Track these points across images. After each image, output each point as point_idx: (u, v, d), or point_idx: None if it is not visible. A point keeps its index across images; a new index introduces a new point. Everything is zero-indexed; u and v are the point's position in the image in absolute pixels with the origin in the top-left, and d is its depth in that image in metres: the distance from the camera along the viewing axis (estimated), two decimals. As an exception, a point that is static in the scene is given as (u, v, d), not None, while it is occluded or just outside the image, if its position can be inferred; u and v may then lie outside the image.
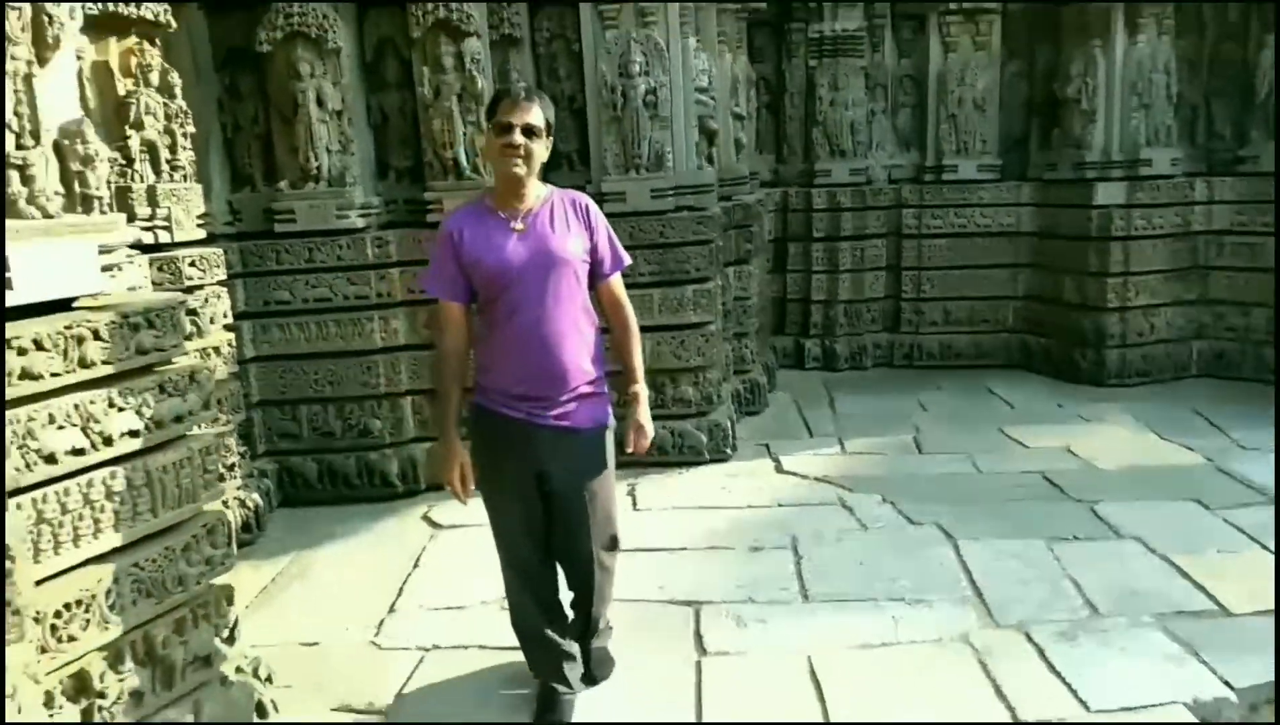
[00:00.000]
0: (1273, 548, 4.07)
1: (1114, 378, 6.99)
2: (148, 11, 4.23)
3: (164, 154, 4.30)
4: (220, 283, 4.55)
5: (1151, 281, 7.05)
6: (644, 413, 3.02)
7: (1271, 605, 3.57)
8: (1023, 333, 7.75)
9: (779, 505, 4.87)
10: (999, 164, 7.79)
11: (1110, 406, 6.46)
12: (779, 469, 5.46)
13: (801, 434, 6.19)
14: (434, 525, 4.84)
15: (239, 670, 3.04)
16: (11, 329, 2.29)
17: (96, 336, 2.51)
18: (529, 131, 2.72)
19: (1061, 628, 3.49)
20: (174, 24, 4.44)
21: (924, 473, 5.29)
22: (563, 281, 2.80)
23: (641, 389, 3.04)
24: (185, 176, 4.45)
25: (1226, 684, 3.06)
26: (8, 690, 1.62)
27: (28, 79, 2.40)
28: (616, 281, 3.02)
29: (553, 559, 3.08)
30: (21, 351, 2.30)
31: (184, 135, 4.43)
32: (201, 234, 4.53)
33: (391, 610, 3.92)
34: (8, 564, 1.95)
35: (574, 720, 3.06)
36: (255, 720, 3.03)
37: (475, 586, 4.03)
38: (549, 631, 3.07)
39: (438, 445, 3.00)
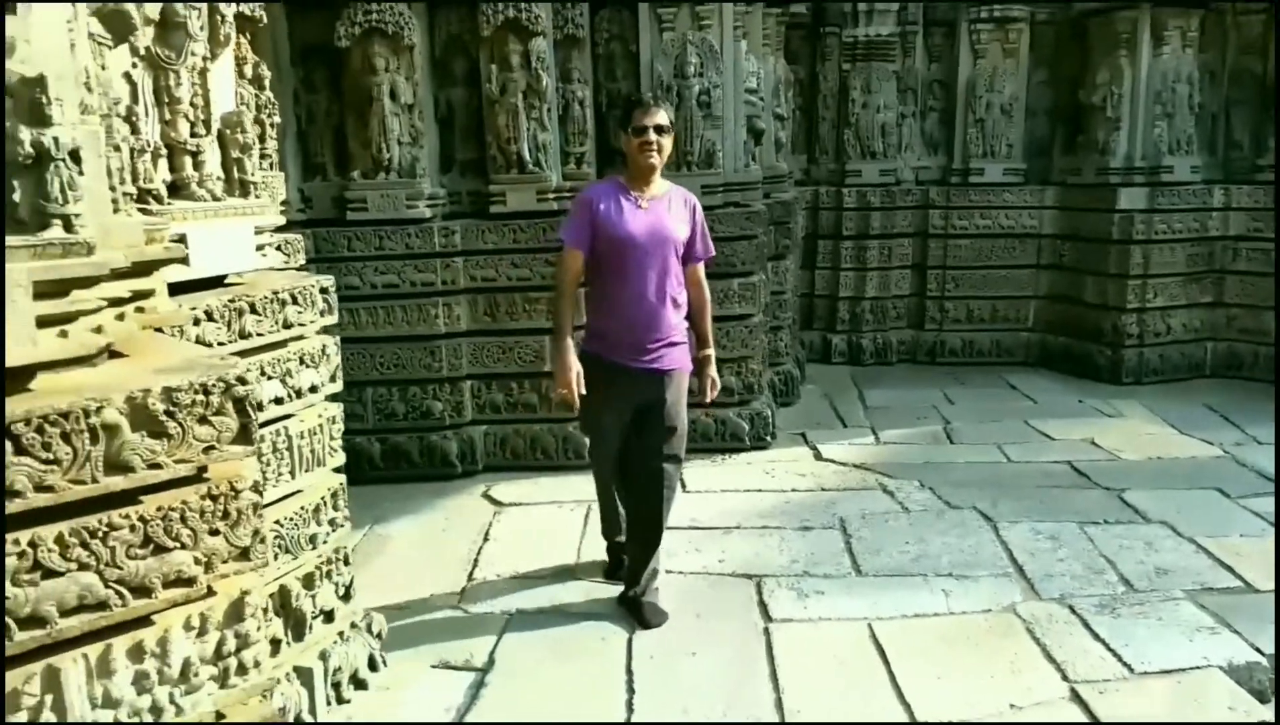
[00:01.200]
0: (1293, 534, 4.35)
1: (1131, 376, 7.28)
2: (245, 8, 4.47)
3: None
4: (300, 268, 4.79)
5: (1169, 284, 7.34)
6: (713, 370, 3.81)
7: (1297, 584, 3.87)
8: (1043, 332, 8.04)
9: (822, 489, 5.14)
10: (1023, 168, 8.07)
11: (1129, 402, 6.74)
12: (818, 456, 5.73)
13: (835, 424, 6.47)
14: (495, 503, 5.10)
15: (353, 626, 3.30)
16: (187, 301, 2.54)
17: (253, 310, 2.77)
18: (659, 130, 3.53)
19: (1101, 601, 3.77)
20: (265, 19, 4.68)
21: (957, 461, 5.57)
22: (667, 255, 3.57)
23: (712, 352, 3.83)
24: (272, 165, 4.67)
25: (1257, 650, 3.34)
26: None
27: (203, 73, 2.67)
28: (701, 267, 3.78)
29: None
30: (195, 321, 2.55)
31: (272, 126, 4.66)
32: (283, 220, 4.77)
33: (470, 579, 4.18)
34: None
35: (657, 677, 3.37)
36: (368, 673, 3.29)
37: (547, 557, 4.30)
38: (614, 489, 3.97)
39: (553, 361, 3.68)
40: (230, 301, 2.68)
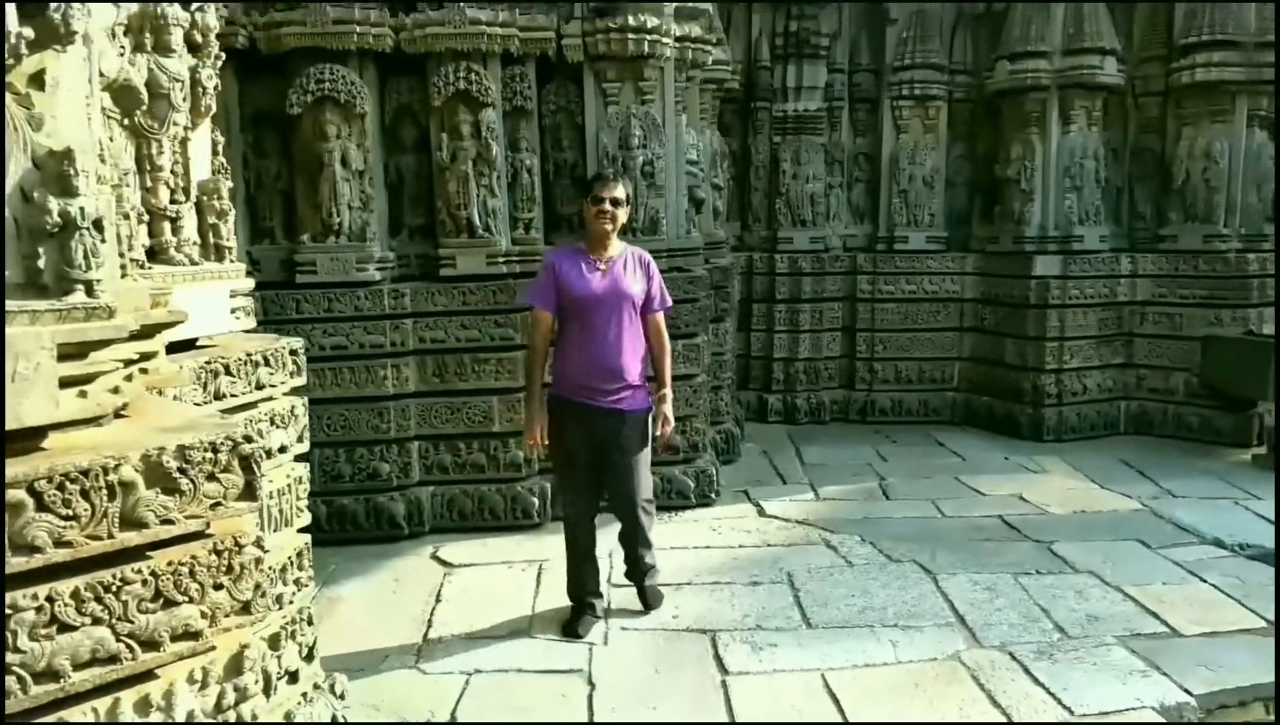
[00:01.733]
0: (1210, 581, 4.62)
1: (1051, 433, 7.63)
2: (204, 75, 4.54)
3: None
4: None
5: (1084, 346, 7.75)
6: (668, 409, 4.20)
7: (1215, 628, 4.12)
8: (967, 391, 8.38)
9: (768, 545, 5.28)
10: (945, 236, 8.49)
11: (1051, 459, 7.07)
12: (761, 513, 5.88)
13: (775, 481, 6.64)
14: (445, 564, 5.11)
15: (316, 687, 3.29)
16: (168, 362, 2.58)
17: (228, 372, 2.81)
18: (615, 202, 4.05)
19: (1039, 647, 3.96)
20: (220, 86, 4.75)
21: (895, 516, 5.77)
22: (625, 310, 4.04)
23: (668, 393, 4.22)
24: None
25: (1186, 690, 3.55)
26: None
27: (184, 142, 2.74)
28: (660, 317, 4.22)
29: (594, 511, 4.23)
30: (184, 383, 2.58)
31: (228, 190, 4.71)
32: (252, 283, 4.79)
33: (425, 639, 4.18)
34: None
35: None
36: (329, 732, 3.28)
37: (501, 616, 4.34)
38: (588, 566, 4.28)
39: (524, 413, 4.49)
40: (206, 363, 2.72)
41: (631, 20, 5.60)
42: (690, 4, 6.13)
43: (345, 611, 4.52)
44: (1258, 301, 7.48)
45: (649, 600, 4.37)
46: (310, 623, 3.30)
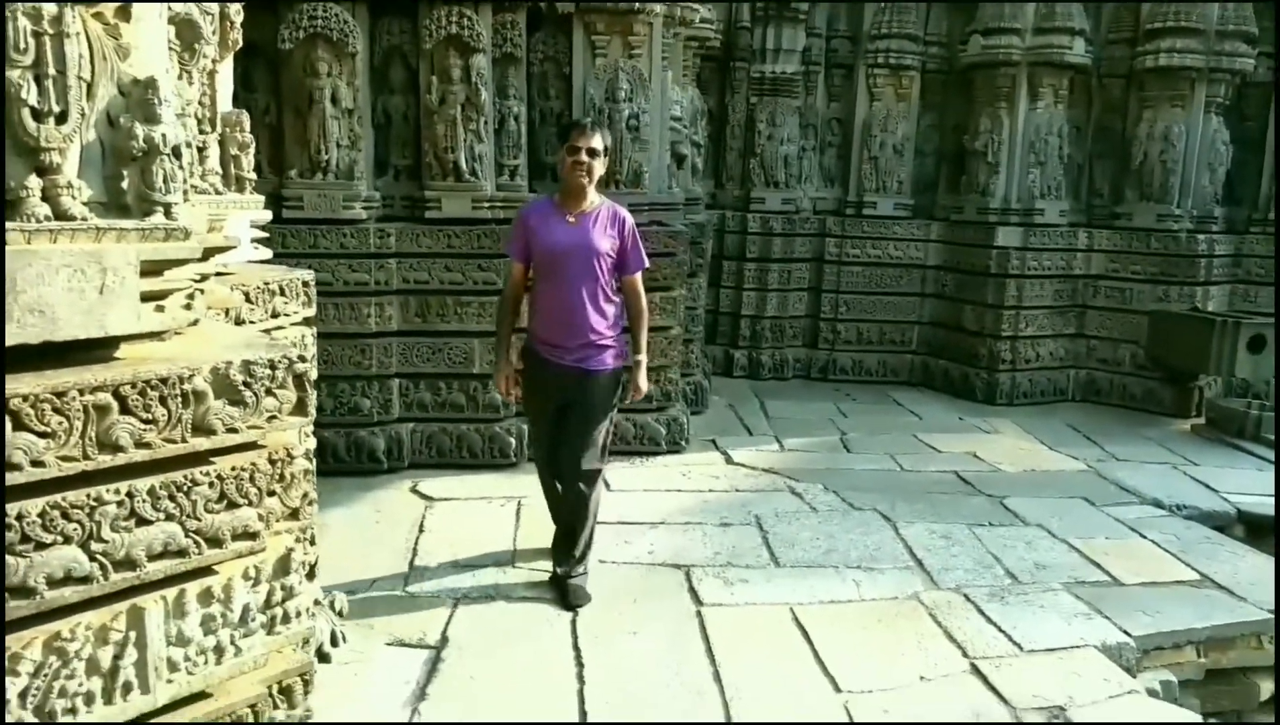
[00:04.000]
0: (1149, 538, 4.96)
1: (1004, 397, 7.97)
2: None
3: (205, 139, 4.62)
4: (241, 262, 4.88)
5: (1039, 315, 8.08)
6: (642, 374, 4.05)
7: (1153, 579, 4.45)
8: (925, 354, 8.69)
9: (736, 490, 5.52)
10: (911, 203, 8.73)
11: (1003, 421, 7.40)
12: (729, 461, 6.11)
13: (741, 432, 6.88)
14: (425, 498, 5.26)
15: (317, 603, 3.44)
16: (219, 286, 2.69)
17: (248, 299, 2.92)
18: (591, 153, 3.81)
19: (991, 590, 4.25)
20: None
21: (855, 468, 6.04)
22: (593, 265, 3.85)
23: (643, 357, 4.07)
24: (219, 161, 4.77)
25: (1125, 632, 3.86)
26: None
27: (211, 75, 2.82)
28: (637, 277, 4.04)
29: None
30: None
31: (248, 122, 4.75)
32: (269, 215, 4.85)
33: (412, 567, 4.35)
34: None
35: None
36: (330, 648, 3.45)
37: (483, 547, 4.51)
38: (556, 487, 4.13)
39: (493, 361, 4.50)
40: (230, 289, 2.83)
41: (624, -26, 5.68)
42: (681, -39, 6.22)
43: (331, 539, 4.64)
44: (1204, 280, 7.86)
45: (570, 599, 3.95)
46: (313, 542, 3.44)
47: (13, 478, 1.59)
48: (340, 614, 3.54)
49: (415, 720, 3.14)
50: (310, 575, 3.44)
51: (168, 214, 1.80)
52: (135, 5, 1.75)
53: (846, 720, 3.18)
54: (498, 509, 5.06)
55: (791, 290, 8.78)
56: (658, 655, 3.59)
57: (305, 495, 2.03)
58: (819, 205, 8.92)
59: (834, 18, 8.69)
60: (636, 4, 5.76)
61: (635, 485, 5.51)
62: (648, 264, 4.12)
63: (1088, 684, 3.45)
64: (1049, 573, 4.46)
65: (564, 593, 4.00)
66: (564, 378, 3.90)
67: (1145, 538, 4.94)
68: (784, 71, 8.56)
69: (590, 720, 3.15)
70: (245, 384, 1.88)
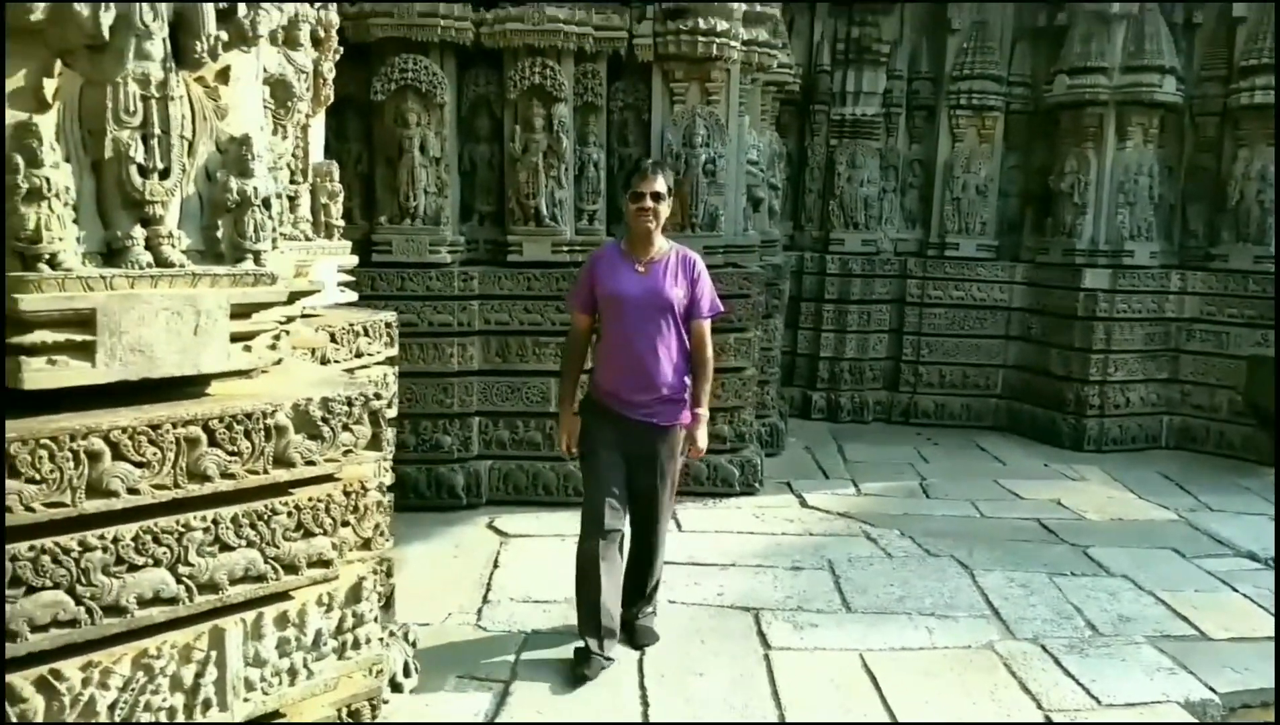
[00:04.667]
0: (1241, 591, 4.76)
1: (1092, 444, 7.74)
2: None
3: (301, 186, 4.88)
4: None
5: (1129, 359, 7.85)
6: (701, 431, 3.85)
7: (1243, 634, 4.27)
8: (1010, 398, 8.51)
9: (810, 534, 5.49)
10: (995, 245, 8.61)
11: (1090, 468, 7.20)
12: (803, 504, 6.08)
13: (817, 475, 6.84)
14: (501, 534, 5.38)
15: (392, 634, 3.56)
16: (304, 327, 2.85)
17: (333, 339, 3.08)
18: (656, 197, 3.68)
19: (1070, 642, 4.13)
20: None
21: (934, 514, 5.95)
22: (663, 317, 3.70)
23: (703, 412, 3.86)
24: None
25: (1210, 689, 3.72)
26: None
27: (304, 128, 3.01)
28: (705, 324, 3.84)
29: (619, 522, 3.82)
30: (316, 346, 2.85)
31: (338, 173, 5.01)
32: (355, 260, 5.09)
33: (485, 601, 4.45)
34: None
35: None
36: (402, 679, 3.56)
37: (555, 586, 4.57)
38: (602, 584, 3.70)
39: (559, 414, 4.11)
40: (316, 331, 2.99)
41: (701, 23, 5.80)
42: (758, 8, 6.32)
43: (409, 572, 4.79)
44: (1306, 323, 7.54)
45: (638, 638, 3.93)
46: (390, 573, 3.57)
47: (110, 504, 1.73)
48: (414, 645, 3.65)
49: (483, 751, 3.20)
50: (386, 606, 3.57)
51: (257, 261, 1.94)
52: (234, 69, 1.91)
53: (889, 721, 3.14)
54: (569, 546, 5.09)
55: (871, 332, 8.73)
56: (723, 696, 3.60)
57: (378, 526, 2.13)
58: (900, 246, 8.87)
59: (915, 59, 8.70)
60: (714, 50, 5.88)
61: (707, 526, 5.53)
62: (722, 309, 3.94)
63: (1169, 742, 3.34)
64: (1132, 625, 4.32)
65: (631, 633, 3.95)
66: (632, 432, 3.72)
67: (1237, 591, 4.74)
68: (864, 114, 8.58)
69: (654, 757, 3.18)
70: (324, 420, 2.00)
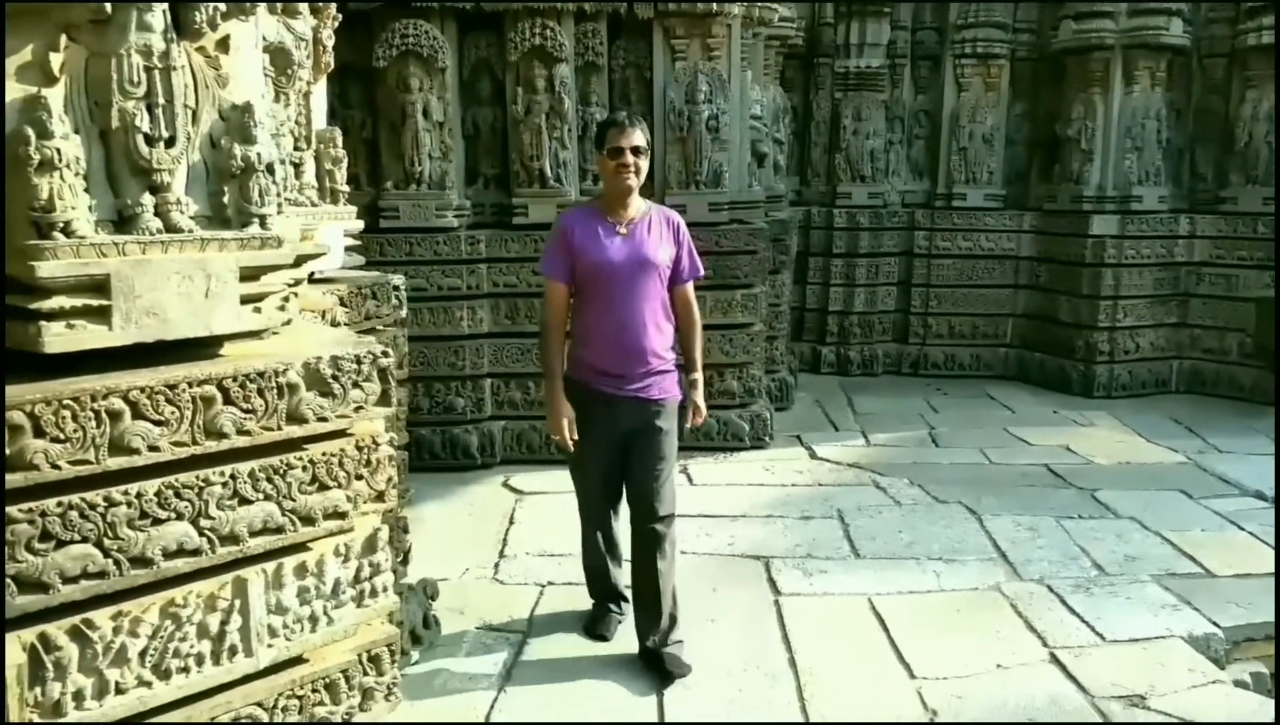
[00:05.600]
0: (1248, 529, 4.81)
1: (1102, 390, 7.77)
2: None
3: (306, 155, 4.93)
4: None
5: (1138, 305, 7.86)
6: (700, 396, 3.59)
7: (1248, 571, 4.33)
8: (1020, 347, 8.53)
9: (819, 484, 5.57)
10: (1003, 194, 8.58)
11: (1100, 414, 7.24)
12: (813, 456, 6.16)
13: (827, 428, 6.90)
14: (515, 492, 5.48)
15: (410, 588, 3.67)
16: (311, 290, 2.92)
17: (342, 303, 3.14)
18: (635, 151, 3.35)
19: (1076, 582, 4.21)
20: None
21: (943, 462, 6.02)
22: (649, 281, 3.40)
23: (699, 377, 3.62)
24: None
25: (1214, 624, 3.79)
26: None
27: (306, 96, 3.05)
28: (689, 287, 3.58)
29: (618, 507, 3.70)
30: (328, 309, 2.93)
31: (341, 138, 5.05)
32: (361, 225, 5.14)
33: (502, 555, 4.56)
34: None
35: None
36: (422, 631, 3.66)
37: (570, 540, 4.62)
38: (609, 565, 3.77)
39: (546, 402, 3.56)
40: (324, 294, 3.05)
41: (701, -21, 5.79)
42: (758, -38, 6.29)
43: (427, 530, 4.89)
44: (1316, 264, 7.51)
45: (669, 668, 3.40)
46: (406, 530, 3.68)
47: (132, 461, 1.81)
48: (433, 599, 3.75)
49: (499, 703, 3.30)
50: (405, 562, 3.68)
51: (263, 225, 2.00)
52: (233, 38, 1.96)
53: (924, 714, 3.23)
54: (584, 502, 5.23)
55: (880, 285, 8.74)
56: (735, 641, 3.69)
57: (390, 480, 2.21)
58: (907, 198, 8.85)
59: (919, 10, 8.62)
60: (714, 6, 5.86)
61: (718, 480, 5.61)
62: (703, 271, 3.66)
63: (1171, 674, 3.42)
64: (1138, 564, 4.39)
65: (659, 664, 3.42)
66: (623, 411, 3.41)
67: (1243, 530, 4.80)
68: (869, 66, 8.53)
69: (667, 700, 3.28)
70: (334, 377, 2.07)
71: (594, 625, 3.77)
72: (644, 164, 3.39)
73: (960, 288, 8.58)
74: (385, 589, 2.28)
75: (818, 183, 8.90)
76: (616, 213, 3.42)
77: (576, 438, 3.43)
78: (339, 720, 2.18)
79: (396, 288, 3.54)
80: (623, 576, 3.77)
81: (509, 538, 4.77)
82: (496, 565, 4.45)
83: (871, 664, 3.52)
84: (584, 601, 3.98)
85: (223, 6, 1.86)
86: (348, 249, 3.45)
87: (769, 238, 6.62)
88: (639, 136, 3.36)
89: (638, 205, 3.46)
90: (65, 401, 1.71)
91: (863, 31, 8.45)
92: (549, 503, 5.27)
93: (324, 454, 2.09)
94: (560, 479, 5.57)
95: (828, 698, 3.28)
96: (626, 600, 3.78)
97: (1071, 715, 3.17)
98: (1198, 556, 4.48)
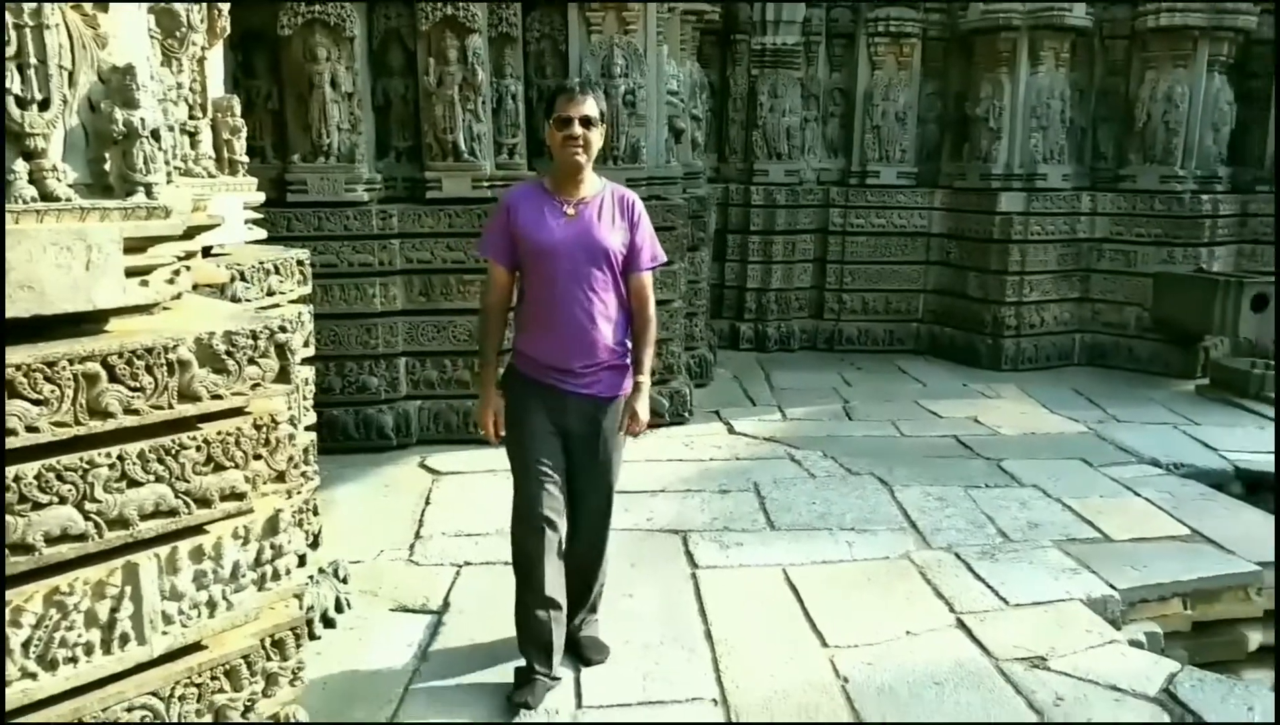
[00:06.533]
0: (1144, 496, 5.02)
1: (1009, 363, 8.02)
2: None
3: (207, 125, 4.75)
4: (246, 245, 5.01)
5: (1043, 280, 8.11)
6: (643, 402, 3.18)
7: (1144, 535, 4.51)
8: (931, 322, 8.74)
9: (737, 458, 5.62)
10: (915, 171, 8.75)
11: (1006, 386, 7.46)
12: (731, 431, 6.21)
13: (745, 403, 6.97)
14: (432, 472, 5.40)
15: (321, 571, 3.59)
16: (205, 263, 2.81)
17: (242, 277, 3.04)
18: (586, 122, 2.98)
19: (982, 549, 4.33)
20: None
21: (856, 435, 6.13)
22: (599, 268, 3.03)
23: (645, 380, 3.20)
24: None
25: (1111, 586, 3.94)
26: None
27: (200, 61, 2.93)
28: (646, 277, 3.17)
29: (560, 519, 3.16)
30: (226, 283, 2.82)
31: (240, 107, 4.87)
32: (262, 197, 4.97)
33: (417, 537, 4.49)
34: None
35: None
36: (335, 614, 3.59)
37: (488, 519, 4.63)
38: (546, 574, 3.10)
39: (476, 390, 3.18)
40: (221, 268, 2.95)
41: (616, -50, 5.73)
42: (673, -65, 6.26)
43: (340, 512, 4.80)
44: (1209, 241, 7.86)
45: (587, 653, 3.35)
46: (316, 512, 3.60)
47: (10, 442, 1.71)
48: (345, 581, 3.68)
49: (414, 686, 3.25)
50: (315, 544, 3.60)
51: (149, 193, 1.90)
52: (110, -4, 1.85)
53: (836, 681, 3.28)
54: (503, 481, 5.07)
55: (796, 262, 8.85)
56: (652, 614, 3.71)
57: (291, 459, 2.14)
58: (823, 176, 8.96)
59: (834, -12, 8.70)
60: (629, -20, 5.81)
61: (638, 456, 5.59)
62: (664, 259, 3.32)
63: (1070, 635, 3.54)
64: (1040, 531, 4.54)
65: (576, 646, 3.35)
66: (568, 408, 3.11)
67: (1139, 496, 5.00)
68: (784, 43, 8.58)
69: (584, 677, 3.27)
70: (228, 353, 1.99)
71: (519, 688, 3.14)
72: (596, 137, 3.04)
73: (874, 264, 8.74)
74: (289, 571, 2.21)
75: (735, 160, 8.95)
76: (566, 191, 3.08)
77: (503, 433, 3.17)
78: (240, 707, 2.11)
79: (300, 262, 3.44)
80: (562, 606, 3.20)
81: (425, 518, 4.70)
82: (412, 546, 4.38)
83: (786, 634, 3.56)
84: (502, 581, 3.87)
85: (98, -39, 1.76)
86: (251, 222, 3.33)
87: (687, 214, 6.63)
88: (590, 106, 3.01)
89: (591, 183, 3.12)
90: (-69, 381, 1.61)
91: (779, 9, 8.50)
92: (466, 482, 5.21)
93: (219, 433, 2.01)
94: (478, 458, 5.55)
95: (743, 668, 3.31)
96: (560, 652, 3.22)
97: (976, 678, 3.26)
98: (1096, 522, 4.65)
